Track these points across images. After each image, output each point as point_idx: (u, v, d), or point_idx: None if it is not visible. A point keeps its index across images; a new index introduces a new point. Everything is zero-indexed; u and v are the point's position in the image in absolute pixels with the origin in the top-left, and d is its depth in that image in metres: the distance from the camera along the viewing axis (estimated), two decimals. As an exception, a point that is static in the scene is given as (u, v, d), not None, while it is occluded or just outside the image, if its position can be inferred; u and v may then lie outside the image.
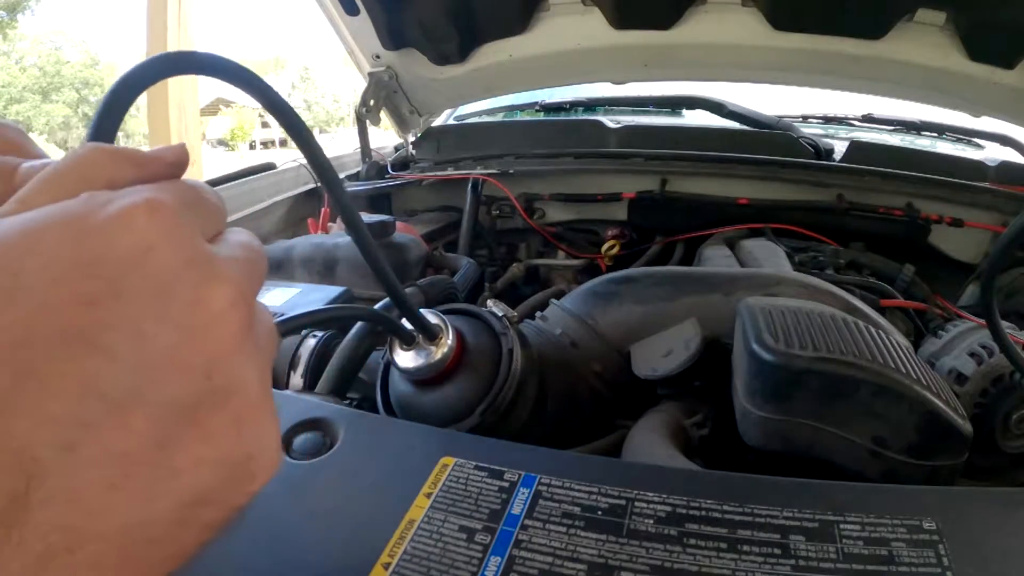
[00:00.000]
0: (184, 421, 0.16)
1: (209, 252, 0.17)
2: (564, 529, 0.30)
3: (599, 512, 0.31)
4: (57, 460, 0.14)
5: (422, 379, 0.42)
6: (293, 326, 0.33)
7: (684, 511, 0.30)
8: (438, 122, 1.42)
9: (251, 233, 0.20)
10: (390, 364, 0.44)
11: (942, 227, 0.95)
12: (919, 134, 1.32)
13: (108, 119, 0.20)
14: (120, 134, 0.22)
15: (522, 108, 1.55)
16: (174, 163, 0.19)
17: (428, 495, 0.32)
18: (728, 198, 1.03)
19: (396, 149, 1.37)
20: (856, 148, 1.10)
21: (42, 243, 0.14)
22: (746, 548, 0.28)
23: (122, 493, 0.15)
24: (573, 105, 1.47)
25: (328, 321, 0.36)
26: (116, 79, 0.21)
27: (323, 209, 1.07)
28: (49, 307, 0.14)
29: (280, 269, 0.85)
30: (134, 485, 0.15)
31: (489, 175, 1.11)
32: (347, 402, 0.51)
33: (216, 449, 0.16)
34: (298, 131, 0.26)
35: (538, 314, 0.60)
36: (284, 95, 0.25)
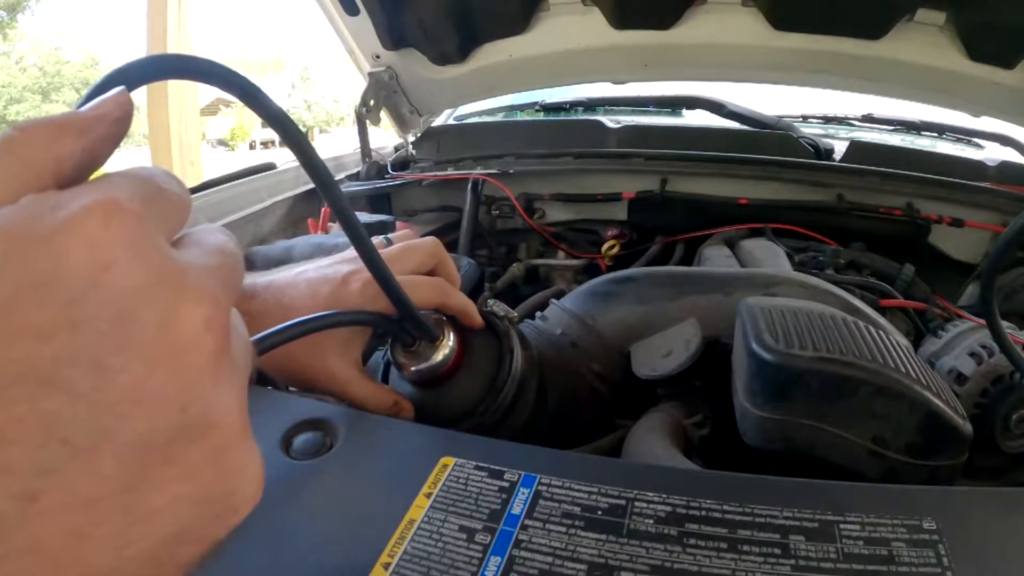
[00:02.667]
0: (158, 459, 0.14)
1: (178, 263, 0.15)
2: (564, 529, 0.30)
3: (599, 512, 0.31)
4: (18, 512, 0.12)
5: (422, 380, 0.42)
6: (296, 332, 0.33)
7: (684, 511, 0.30)
8: (438, 122, 1.42)
9: (224, 231, 0.18)
10: (390, 364, 0.44)
11: (942, 227, 0.95)
12: (919, 134, 1.32)
13: None
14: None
15: (522, 108, 1.55)
16: (120, 118, 0.16)
17: (428, 495, 0.32)
18: (728, 198, 1.03)
19: (396, 149, 1.36)
20: (856, 148, 1.10)
21: None
22: (746, 548, 0.28)
23: (92, 541, 0.13)
24: (573, 105, 1.47)
25: (329, 325, 0.36)
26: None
27: (323, 209, 1.07)
28: None
29: (280, 269, 0.85)
30: (104, 532, 0.14)
31: (489, 175, 1.11)
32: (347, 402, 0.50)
33: (195, 486, 0.15)
34: (295, 139, 0.26)
35: (538, 314, 0.60)
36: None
